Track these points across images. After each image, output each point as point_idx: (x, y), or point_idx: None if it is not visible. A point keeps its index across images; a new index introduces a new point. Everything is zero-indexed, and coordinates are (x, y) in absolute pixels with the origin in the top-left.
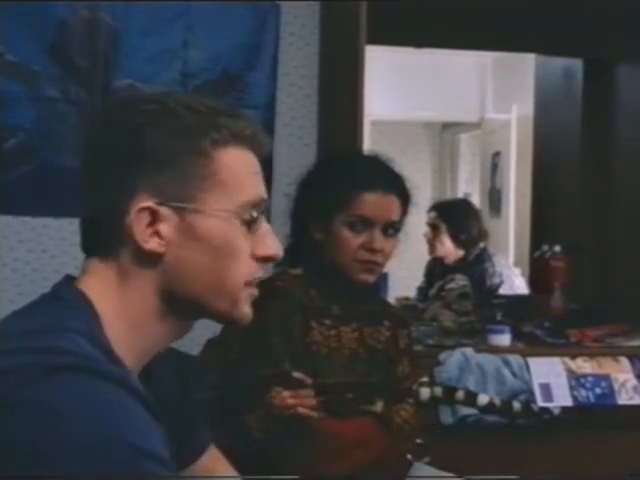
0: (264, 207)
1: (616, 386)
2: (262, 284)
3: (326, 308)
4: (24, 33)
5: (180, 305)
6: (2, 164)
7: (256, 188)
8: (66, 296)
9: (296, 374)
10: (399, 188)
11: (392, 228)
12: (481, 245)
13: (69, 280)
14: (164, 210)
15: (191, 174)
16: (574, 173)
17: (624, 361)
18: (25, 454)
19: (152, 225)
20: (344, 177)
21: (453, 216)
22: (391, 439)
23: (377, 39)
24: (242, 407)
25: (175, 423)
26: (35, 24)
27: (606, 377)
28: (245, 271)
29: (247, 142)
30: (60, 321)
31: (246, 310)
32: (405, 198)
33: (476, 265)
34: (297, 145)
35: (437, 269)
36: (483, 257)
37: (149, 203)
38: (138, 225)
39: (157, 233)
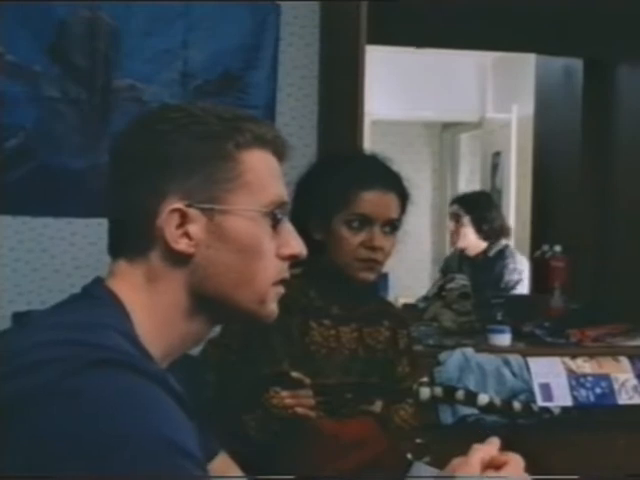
0: (286, 209)
1: (616, 386)
2: None
3: (325, 308)
4: (24, 33)
5: (209, 304)
6: (2, 164)
7: (279, 189)
8: (98, 295)
9: (294, 374)
10: (397, 186)
11: (391, 226)
12: (503, 242)
13: (99, 280)
14: (193, 212)
15: (218, 176)
16: (574, 173)
17: (624, 361)
18: (64, 441)
19: (182, 226)
20: (342, 176)
21: (476, 207)
22: (390, 439)
23: (377, 39)
24: (241, 407)
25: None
26: (35, 24)
27: (606, 377)
28: (273, 271)
29: (269, 145)
30: (97, 318)
31: (273, 308)
32: (403, 196)
33: (498, 261)
34: (297, 145)
35: (454, 264)
36: (505, 253)
37: (179, 205)
38: (169, 226)
39: (187, 234)
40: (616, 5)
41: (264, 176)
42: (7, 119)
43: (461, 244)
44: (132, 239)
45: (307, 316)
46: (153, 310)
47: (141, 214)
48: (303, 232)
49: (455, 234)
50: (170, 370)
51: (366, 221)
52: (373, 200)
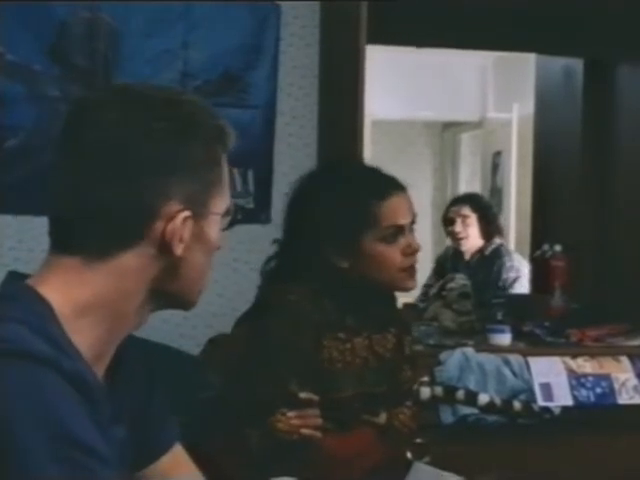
0: None
1: (616, 386)
2: (274, 298)
3: (340, 320)
4: (24, 33)
5: (163, 298)
6: (2, 164)
7: None
8: (10, 293)
9: (303, 395)
10: (402, 183)
11: (413, 224)
12: (497, 241)
13: (13, 277)
14: (190, 216)
15: (210, 181)
16: (574, 173)
17: (624, 361)
18: None
19: (180, 230)
20: (355, 194)
21: (481, 205)
22: (389, 445)
23: (377, 39)
24: (244, 419)
25: (138, 421)
26: (35, 24)
27: (606, 377)
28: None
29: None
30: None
31: None
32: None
33: (495, 259)
34: (297, 145)
35: (448, 265)
36: (501, 252)
37: (188, 212)
38: (175, 231)
39: (181, 238)
40: (616, 5)
41: (226, 178)
42: (7, 119)
43: (464, 246)
44: (106, 236)
45: (320, 332)
46: (105, 307)
47: (137, 214)
48: (317, 258)
49: (463, 234)
50: (138, 367)
51: (399, 229)
52: (398, 206)
